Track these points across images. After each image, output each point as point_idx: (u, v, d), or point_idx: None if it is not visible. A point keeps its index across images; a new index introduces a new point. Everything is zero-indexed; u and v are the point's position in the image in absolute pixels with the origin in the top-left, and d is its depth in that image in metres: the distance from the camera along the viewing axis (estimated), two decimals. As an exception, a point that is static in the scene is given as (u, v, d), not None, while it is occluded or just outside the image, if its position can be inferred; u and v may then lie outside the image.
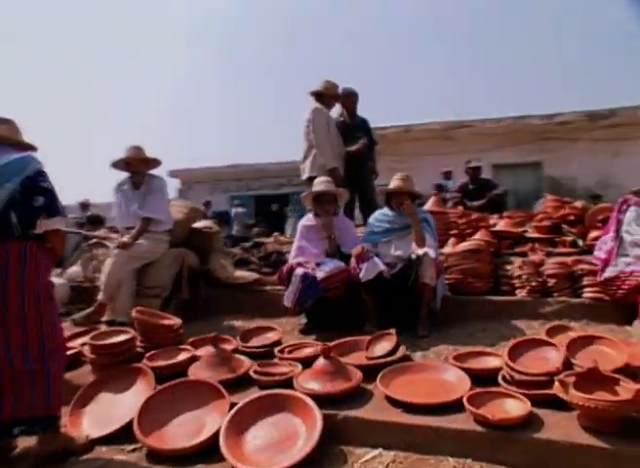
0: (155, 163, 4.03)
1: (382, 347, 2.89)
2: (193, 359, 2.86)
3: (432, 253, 3.24)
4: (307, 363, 2.76)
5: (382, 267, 3.28)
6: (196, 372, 2.67)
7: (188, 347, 3.04)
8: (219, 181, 14.71)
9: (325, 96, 4.86)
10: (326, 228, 3.62)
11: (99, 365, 2.88)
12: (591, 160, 11.44)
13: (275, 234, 5.32)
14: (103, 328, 3.55)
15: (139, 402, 2.47)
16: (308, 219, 3.81)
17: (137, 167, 3.93)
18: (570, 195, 11.08)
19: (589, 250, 3.65)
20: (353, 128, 5.11)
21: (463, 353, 2.71)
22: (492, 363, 2.56)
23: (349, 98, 5.16)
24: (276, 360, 2.91)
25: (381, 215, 3.69)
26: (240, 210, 12.65)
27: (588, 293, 3.20)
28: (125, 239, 3.72)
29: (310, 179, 4.74)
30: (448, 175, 9.90)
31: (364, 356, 2.85)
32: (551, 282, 3.31)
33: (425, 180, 8.04)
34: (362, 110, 5.34)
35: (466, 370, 2.44)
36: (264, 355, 3.05)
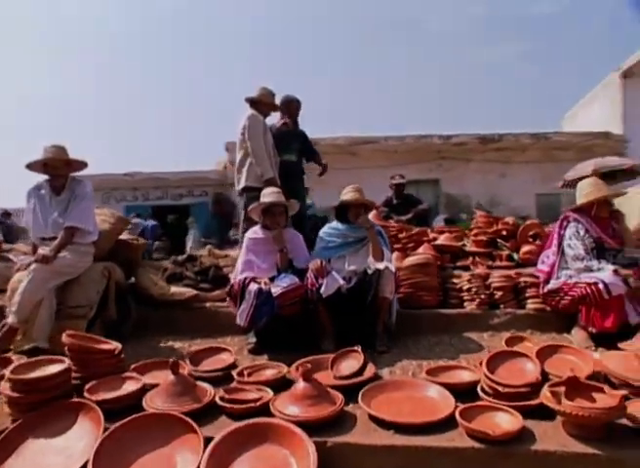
0: (80, 165, 3.56)
1: (349, 365, 2.78)
2: (144, 388, 2.52)
3: (392, 268, 3.22)
4: (273, 386, 2.58)
5: (342, 282, 3.20)
6: (154, 404, 2.35)
7: (135, 375, 2.68)
8: (113, 190, 13.65)
9: (260, 103, 4.68)
10: (277, 241, 3.45)
11: (21, 404, 2.37)
12: (482, 179, 12.49)
13: (209, 247, 4.97)
14: (15, 357, 3.02)
15: (89, 445, 2.10)
16: (255, 232, 3.61)
17: (58, 169, 3.43)
18: (465, 211, 12.02)
19: (524, 263, 3.90)
20: (290, 137, 4.96)
21: (434, 368, 2.71)
22: (466, 376, 2.57)
23: (292, 106, 4.99)
24: (235, 384, 2.68)
25: (333, 230, 3.61)
26: (136, 220, 11.85)
27: (532, 305, 3.40)
28: (44, 251, 3.22)
29: (247, 190, 4.52)
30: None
31: (330, 375, 2.72)
32: (498, 294, 3.47)
33: (329, 195, 8.10)
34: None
35: (445, 386, 2.43)
36: (220, 379, 2.79)
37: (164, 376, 2.64)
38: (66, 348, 2.68)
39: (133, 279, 3.99)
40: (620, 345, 2.75)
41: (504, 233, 4.22)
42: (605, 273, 2.93)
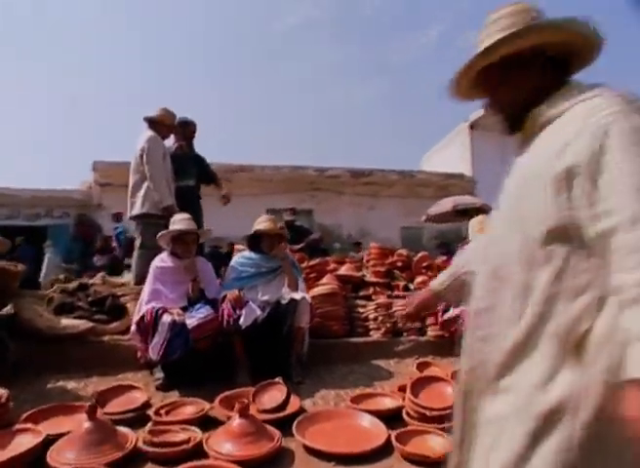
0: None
1: (273, 398, 2.75)
2: (46, 441, 2.19)
3: (309, 298, 3.28)
4: (195, 424, 2.45)
5: (259, 312, 3.17)
6: (64, 459, 2.06)
7: (29, 426, 2.33)
8: (-47, 206, 11.72)
9: (160, 124, 4.47)
10: (189, 270, 3.30)
11: None
12: (353, 211, 13.22)
13: (102, 274, 4.49)
14: None
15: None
16: (163, 260, 3.40)
17: None
18: (337, 241, 12.56)
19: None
20: (188, 161, 4.80)
21: (357, 396, 2.82)
22: (388, 403, 2.71)
23: (189, 128, 4.84)
24: (152, 425, 2.47)
25: (246, 259, 3.56)
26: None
27: (432, 332, 3.70)
28: None
29: (143, 217, 4.26)
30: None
31: (253, 409, 2.66)
32: (401, 323, 3.71)
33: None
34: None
35: (373, 413, 2.53)
36: (134, 421, 2.55)
37: (70, 424, 2.36)
38: None
39: (5, 310, 3.48)
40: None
41: (399, 264, 4.55)
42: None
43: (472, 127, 13.67)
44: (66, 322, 3.34)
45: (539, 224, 1.00)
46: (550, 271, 0.99)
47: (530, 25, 1.11)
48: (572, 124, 1.01)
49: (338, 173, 13.31)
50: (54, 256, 11.23)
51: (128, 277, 4.66)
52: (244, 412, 2.28)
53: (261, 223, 3.57)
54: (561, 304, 0.98)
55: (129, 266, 7.39)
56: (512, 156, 1.20)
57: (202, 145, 4.99)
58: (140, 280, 3.99)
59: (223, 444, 2.19)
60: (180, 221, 3.42)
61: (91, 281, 3.99)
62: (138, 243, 4.27)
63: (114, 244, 9.50)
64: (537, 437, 0.95)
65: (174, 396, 2.98)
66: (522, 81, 1.16)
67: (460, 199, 10.04)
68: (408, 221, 12.74)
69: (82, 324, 3.35)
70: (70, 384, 3.10)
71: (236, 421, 2.27)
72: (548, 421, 0.94)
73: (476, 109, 14.05)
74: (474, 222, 3.83)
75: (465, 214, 8.78)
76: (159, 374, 3.14)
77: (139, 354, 3.21)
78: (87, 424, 2.18)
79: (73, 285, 3.67)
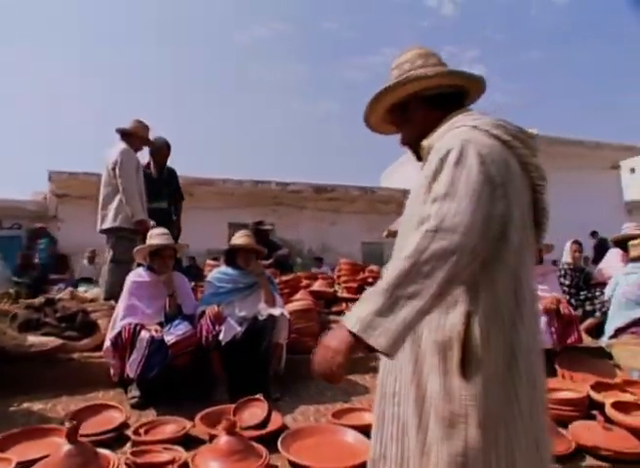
0: None
1: (254, 415, 2.75)
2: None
3: (287, 314, 3.30)
4: (177, 443, 2.42)
5: (238, 328, 3.16)
6: (46, 481, 1.99)
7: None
8: None
9: (133, 136, 4.41)
10: (167, 285, 3.26)
11: None
12: (315, 227, 13.31)
13: (70, 289, 4.31)
14: None
15: None
16: (139, 275, 3.35)
17: None
18: (298, 256, 12.56)
19: (390, 309, 4.30)
20: (160, 183, 4.74)
21: (338, 411, 2.84)
22: (368, 417, 2.73)
23: (161, 151, 4.77)
24: (131, 446, 2.42)
25: (223, 275, 3.55)
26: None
27: (405, 347, 3.77)
28: None
29: (114, 230, 4.17)
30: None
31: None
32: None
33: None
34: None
35: (355, 428, 2.56)
36: (111, 441, 2.49)
37: (44, 448, 2.27)
38: None
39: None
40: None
41: (370, 280, 4.63)
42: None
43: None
44: (34, 339, 3.21)
45: None
46: None
47: (398, 81, 1.28)
48: (435, 152, 1.17)
49: (300, 188, 13.40)
50: (3, 270, 10.70)
51: (95, 291, 4.52)
52: (231, 430, 2.26)
53: (238, 238, 3.58)
54: (436, 319, 1.11)
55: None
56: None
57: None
58: (111, 295, 3.90)
59: (211, 463, 2.17)
60: (156, 236, 3.38)
61: (58, 296, 3.85)
62: (109, 257, 4.16)
63: (37, 260, 9.21)
64: (444, 441, 1.08)
65: (150, 414, 2.91)
66: (418, 118, 1.33)
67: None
68: (369, 237, 12.93)
69: (51, 341, 3.23)
70: (37, 406, 2.96)
71: (223, 439, 2.25)
72: (450, 427, 1.08)
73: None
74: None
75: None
76: (135, 392, 3.06)
77: (112, 372, 3.12)
78: (67, 447, 2.09)
79: (40, 300, 3.54)
